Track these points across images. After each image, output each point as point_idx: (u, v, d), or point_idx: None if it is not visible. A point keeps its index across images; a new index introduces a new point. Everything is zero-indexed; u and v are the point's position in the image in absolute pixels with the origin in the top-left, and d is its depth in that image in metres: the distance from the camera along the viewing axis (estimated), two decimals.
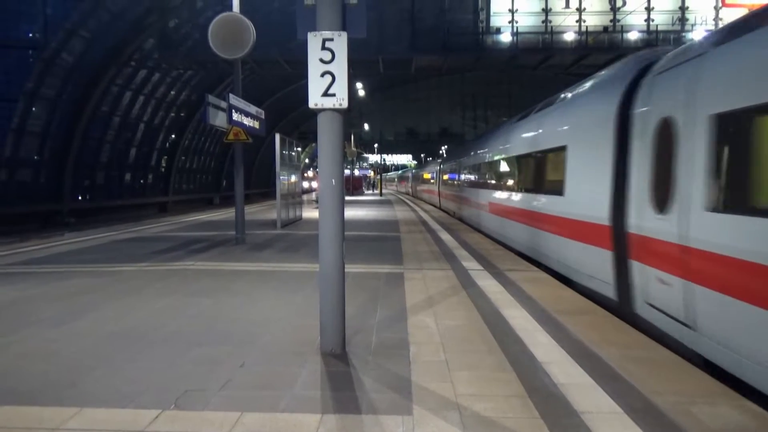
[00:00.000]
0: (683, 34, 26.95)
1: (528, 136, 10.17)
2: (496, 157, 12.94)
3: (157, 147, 30.97)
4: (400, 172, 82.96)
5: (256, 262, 9.25)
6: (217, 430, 3.12)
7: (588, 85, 8.07)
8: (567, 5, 27.91)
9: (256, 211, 22.77)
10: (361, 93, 33.81)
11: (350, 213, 20.94)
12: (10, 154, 20.56)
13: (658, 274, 5.08)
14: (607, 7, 27.90)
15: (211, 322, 5.47)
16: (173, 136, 32.42)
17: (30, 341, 4.84)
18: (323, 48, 4.22)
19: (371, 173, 79.27)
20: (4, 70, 24.89)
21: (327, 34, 4.22)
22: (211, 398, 3.57)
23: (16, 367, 4.20)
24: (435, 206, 28.22)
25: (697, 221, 4.41)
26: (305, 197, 26.91)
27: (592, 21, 27.85)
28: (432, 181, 32.66)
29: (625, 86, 6.24)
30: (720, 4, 26.73)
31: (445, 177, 24.87)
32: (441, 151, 65.07)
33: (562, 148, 7.91)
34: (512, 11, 28.03)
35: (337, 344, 4.44)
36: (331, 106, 4.24)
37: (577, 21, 27.77)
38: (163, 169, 32.44)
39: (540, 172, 9.23)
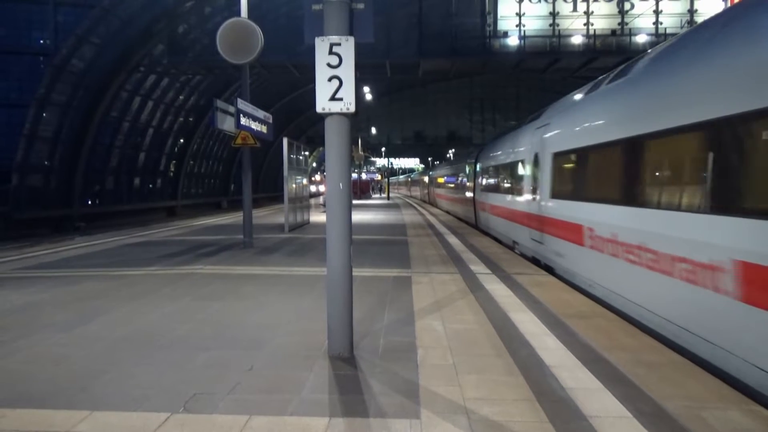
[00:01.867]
0: None
1: None
2: None
3: (166, 151, 31.14)
4: (413, 174, 72.68)
5: (264, 266, 9.28)
6: None
7: None
8: (574, 9, 27.83)
9: (264, 215, 22.84)
10: (369, 97, 33.88)
11: (358, 217, 20.97)
12: (22, 160, 20.75)
13: None
14: (615, 10, 27.80)
15: (219, 325, 5.49)
16: (182, 140, 32.59)
17: (41, 345, 4.88)
18: (330, 53, 4.24)
19: (378, 177, 79.29)
20: (16, 77, 25.20)
21: (334, 38, 4.25)
22: (220, 402, 3.58)
23: (27, 370, 4.24)
24: (468, 224, 18.73)
25: None
26: (312, 201, 26.97)
27: (600, 24, 27.75)
28: (453, 185, 24.16)
29: None
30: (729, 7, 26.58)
31: (492, 181, 14.81)
32: (448, 155, 64.86)
33: None
34: (519, 15, 27.98)
35: (345, 348, 4.45)
36: (338, 110, 4.27)
37: (584, 24, 27.68)
38: (171, 174, 32.60)
39: None
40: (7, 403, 3.57)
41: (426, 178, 44.54)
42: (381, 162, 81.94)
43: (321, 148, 55.48)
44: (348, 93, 4.25)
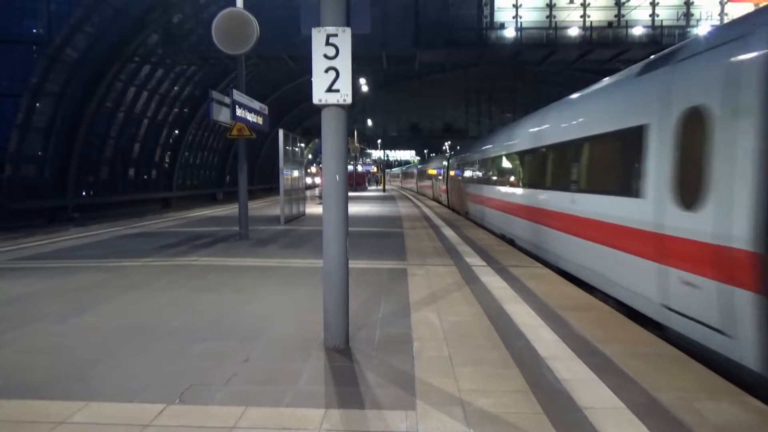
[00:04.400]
0: (688, 29, 26.79)
1: None
2: None
3: (161, 143, 30.98)
4: (419, 165, 53.85)
5: (260, 258, 9.27)
6: (221, 425, 3.14)
7: None
8: (571, 1, 27.78)
9: (259, 207, 22.80)
10: (365, 89, 33.75)
11: (353, 209, 20.95)
12: (15, 150, 20.59)
13: None
14: (612, 2, 27.78)
15: (215, 317, 5.49)
16: (177, 131, 32.43)
17: (37, 336, 4.87)
18: (327, 44, 4.22)
19: (374, 169, 79.17)
20: (9, 66, 24.94)
21: (331, 29, 4.22)
22: (216, 393, 3.59)
23: (23, 361, 4.23)
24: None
25: None
26: (308, 193, 26.94)
27: (597, 16, 27.76)
28: (527, 183, 10.52)
29: None
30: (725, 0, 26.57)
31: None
32: (444, 147, 64.77)
33: None
34: (516, 6, 27.96)
35: (341, 339, 4.46)
36: (335, 101, 4.25)
37: (581, 16, 27.68)
38: (166, 165, 32.47)
39: None
40: (2, 393, 3.57)
41: (438, 170, 28.64)
42: (377, 154, 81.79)
43: (317, 140, 55.36)
44: (344, 84, 4.23)
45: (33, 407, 3.37)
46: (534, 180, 10.12)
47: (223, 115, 11.28)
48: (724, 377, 3.83)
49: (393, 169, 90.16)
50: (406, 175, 62.87)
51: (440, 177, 27.72)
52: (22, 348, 4.55)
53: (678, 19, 27.27)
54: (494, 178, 14.11)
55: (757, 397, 3.48)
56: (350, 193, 29.53)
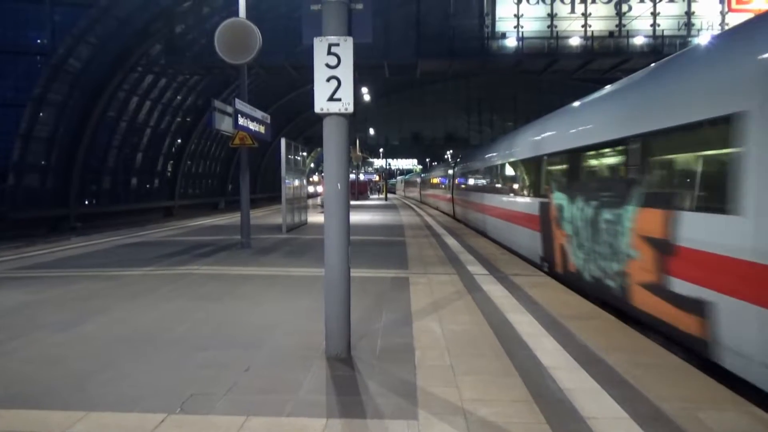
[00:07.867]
0: (689, 39, 26.87)
1: None
2: None
3: (163, 152, 31.07)
4: (458, 162, 25.11)
5: (262, 267, 9.26)
6: None
7: None
8: (572, 10, 27.87)
9: (261, 216, 22.81)
10: (367, 98, 33.87)
11: (355, 217, 20.94)
12: (18, 159, 20.65)
13: None
14: (613, 12, 27.85)
15: (216, 326, 5.48)
16: (179, 140, 32.52)
17: (37, 345, 4.87)
18: (329, 53, 4.24)
19: (376, 177, 79.10)
20: (13, 77, 25.13)
21: (333, 39, 4.24)
22: (217, 402, 3.57)
23: (23, 370, 4.22)
24: None
25: None
26: (310, 202, 26.95)
27: (598, 26, 27.78)
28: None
29: None
30: (726, 9, 26.64)
31: None
32: (446, 156, 64.81)
33: None
34: (518, 16, 28.02)
35: (343, 348, 4.44)
36: (336, 110, 4.26)
37: (582, 26, 27.72)
38: (169, 174, 32.54)
39: None
40: (2, 403, 3.56)
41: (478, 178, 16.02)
42: (379, 163, 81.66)
43: (319, 149, 55.54)
44: (346, 93, 4.24)
45: (33, 417, 3.36)
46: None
47: (225, 125, 11.32)
48: (729, 387, 3.81)
49: (406, 176, 79.64)
50: (425, 184, 40.59)
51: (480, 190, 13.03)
52: (22, 357, 4.55)
53: (679, 29, 27.34)
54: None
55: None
56: (352, 202, 29.39)
